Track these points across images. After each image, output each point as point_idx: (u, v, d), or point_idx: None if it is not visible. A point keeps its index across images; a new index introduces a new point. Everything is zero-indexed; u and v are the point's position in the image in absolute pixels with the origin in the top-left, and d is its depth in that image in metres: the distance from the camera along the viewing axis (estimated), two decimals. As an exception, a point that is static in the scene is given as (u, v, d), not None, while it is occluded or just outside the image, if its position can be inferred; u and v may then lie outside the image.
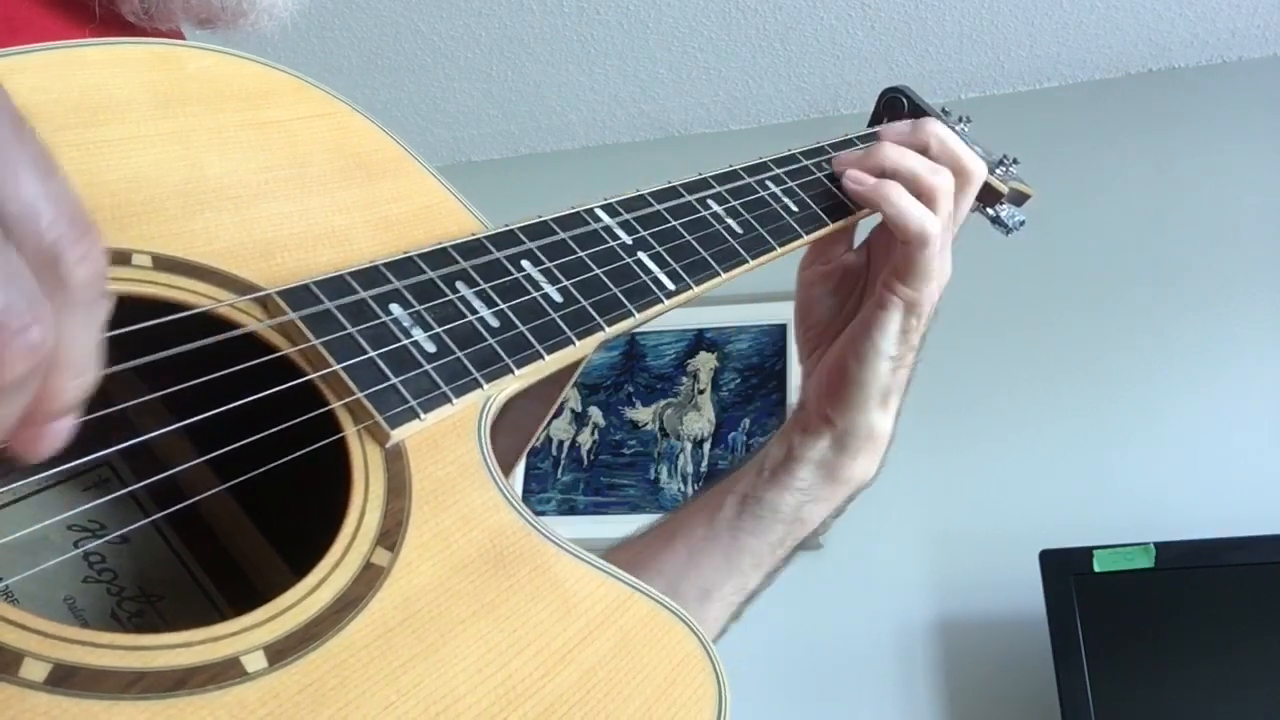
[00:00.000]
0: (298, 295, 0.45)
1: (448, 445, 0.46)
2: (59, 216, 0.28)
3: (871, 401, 0.71)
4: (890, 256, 0.70)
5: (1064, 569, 1.72)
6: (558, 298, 0.53)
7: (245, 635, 0.36)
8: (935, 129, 0.73)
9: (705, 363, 2.33)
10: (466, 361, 0.48)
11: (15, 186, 0.27)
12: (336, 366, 0.44)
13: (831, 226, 0.71)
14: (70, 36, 0.49)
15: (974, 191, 0.73)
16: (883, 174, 0.71)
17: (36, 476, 0.42)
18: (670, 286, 0.59)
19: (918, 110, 0.84)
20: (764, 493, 0.72)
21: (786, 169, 0.72)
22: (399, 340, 0.46)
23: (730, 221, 0.65)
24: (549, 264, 0.54)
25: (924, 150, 0.72)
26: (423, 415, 0.45)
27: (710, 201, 0.65)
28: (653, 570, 0.71)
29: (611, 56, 2.32)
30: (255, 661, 0.35)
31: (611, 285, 0.56)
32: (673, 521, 0.74)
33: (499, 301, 0.51)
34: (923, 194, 0.69)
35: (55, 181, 0.29)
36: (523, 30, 2.25)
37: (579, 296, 0.54)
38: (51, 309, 0.28)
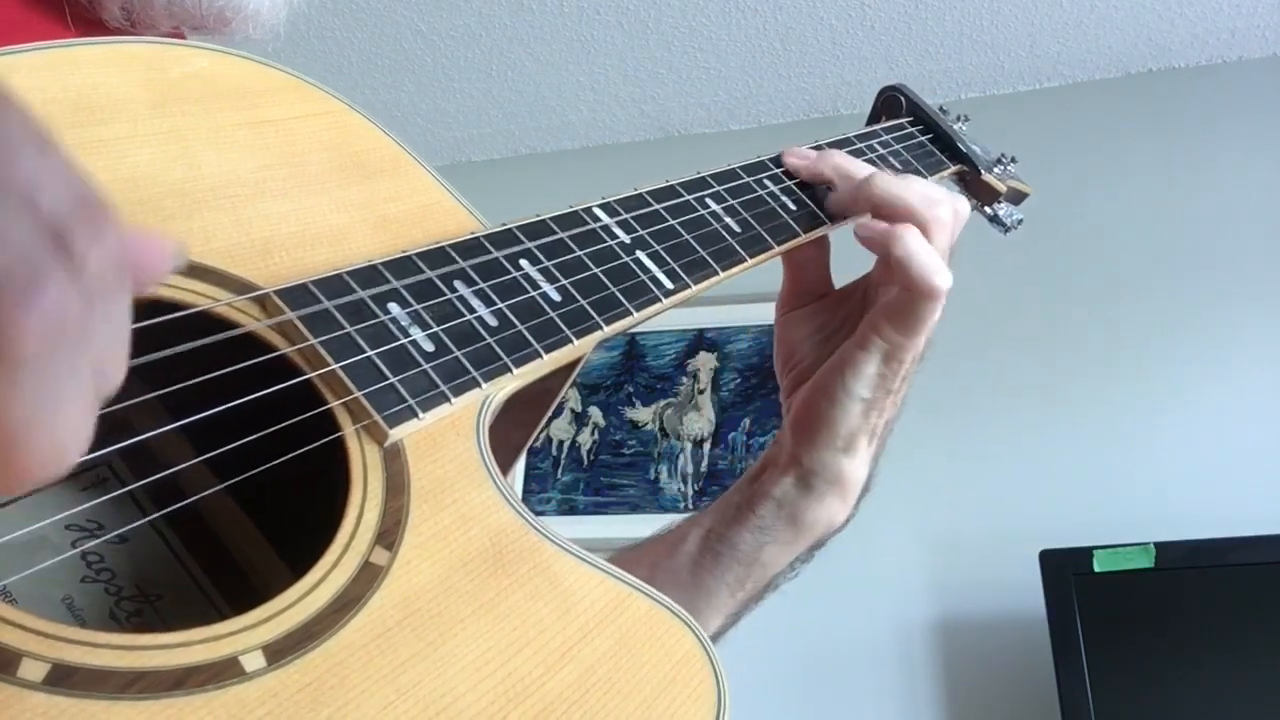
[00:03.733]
0: (296, 294, 0.45)
1: (446, 444, 0.46)
2: (61, 197, 0.25)
3: (839, 442, 0.66)
4: (882, 296, 0.66)
5: (1064, 569, 1.72)
6: (556, 297, 0.53)
7: (244, 635, 0.36)
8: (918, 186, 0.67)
9: (705, 363, 2.33)
10: (465, 360, 0.48)
11: (9, 163, 0.24)
12: (335, 366, 0.43)
13: (829, 226, 0.71)
14: (59, 38, 0.49)
15: (956, 231, 0.68)
16: (876, 207, 0.66)
17: (35, 476, 0.41)
18: (668, 285, 0.59)
19: (916, 109, 0.84)
20: (725, 529, 0.68)
21: (785, 168, 0.71)
22: (397, 339, 0.46)
23: (729, 220, 0.65)
24: (547, 263, 0.54)
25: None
26: (421, 414, 0.44)
27: (709, 200, 0.65)
28: None
29: (611, 56, 2.32)
30: (254, 661, 0.35)
31: (610, 284, 0.56)
32: (642, 552, 0.70)
33: (497, 300, 0.51)
34: (922, 226, 0.64)
35: (52, 158, 0.25)
36: (523, 30, 2.25)
37: (577, 295, 0.54)
38: (66, 278, 0.24)
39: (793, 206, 0.69)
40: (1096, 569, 1.71)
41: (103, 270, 0.25)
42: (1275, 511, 1.81)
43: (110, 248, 0.26)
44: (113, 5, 0.56)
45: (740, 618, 0.70)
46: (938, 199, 0.65)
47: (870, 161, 0.75)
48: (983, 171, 0.84)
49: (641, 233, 0.60)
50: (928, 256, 0.62)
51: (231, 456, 0.41)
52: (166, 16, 0.57)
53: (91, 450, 0.38)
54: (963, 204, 0.67)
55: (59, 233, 0.24)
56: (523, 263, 0.54)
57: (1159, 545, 1.70)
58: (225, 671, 0.35)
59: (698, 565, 0.68)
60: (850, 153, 0.74)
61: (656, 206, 0.62)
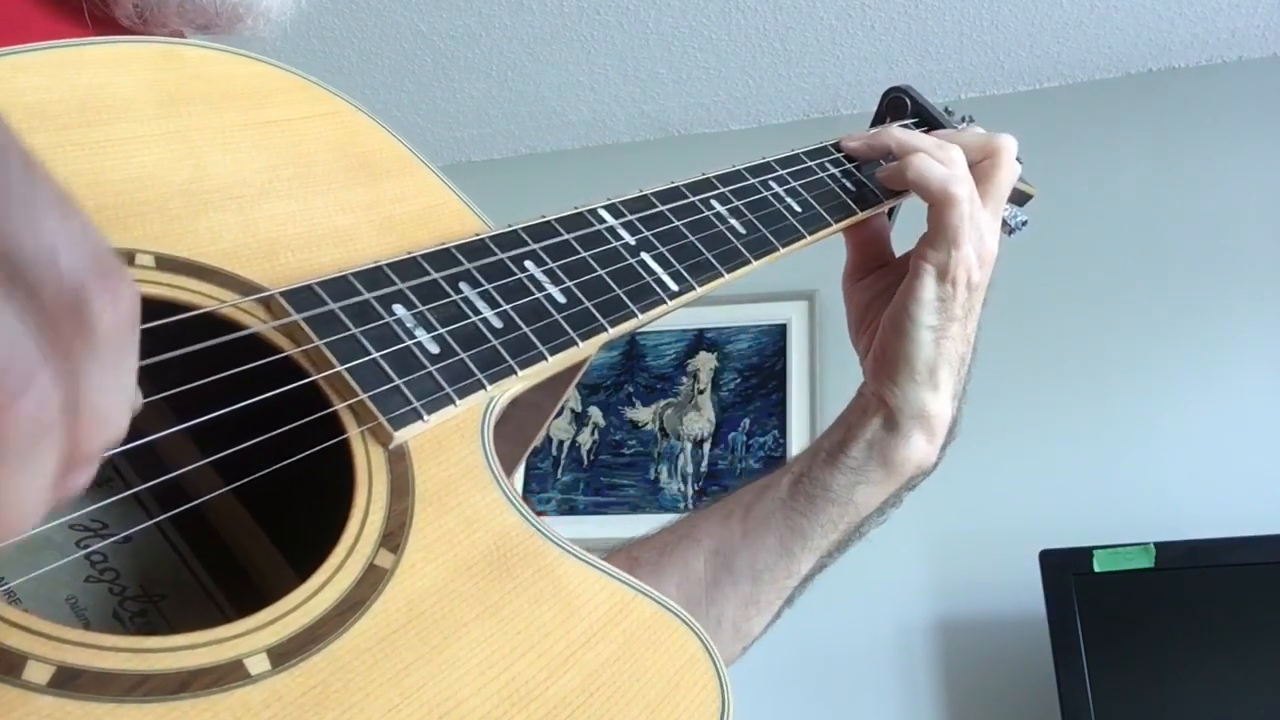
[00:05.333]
0: (301, 296, 0.45)
1: (451, 446, 0.46)
2: (81, 257, 0.26)
3: (918, 375, 0.70)
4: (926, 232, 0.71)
5: (1064, 569, 1.73)
6: (561, 298, 0.53)
7: (249, 637, 0.36)
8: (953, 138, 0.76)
9: (705, 363, 2.33)
10: (470, 362, 0.47)
11: (31, 227, 0.25)
12: (340, 367, 0.43)
13: (835, 226, 0.71)
14: (69, 37, 0.49)
15: (1007, 163, 0.74)
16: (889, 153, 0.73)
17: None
18: (673, 287, 0.58)
19: (921, 110, 0.84)
20: (818, 473, 0.71)
21: (790, 169, 0.72)
22: (402, 341, 0.46)
23: (734, 222, 0.65)
24: (552, 265, 0.54)
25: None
26: (426, 416, 0.44)
27: (713, 202, 0.65)
28: (707, 545, 0.69)
29: (611, 56, 2.32)
30: (259, 664, 0.35)
31: (615, 286, 0.56)
32: (730, 499, 0.73)
33: (502, 302, 0.51)
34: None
35: (75, 221, 0.26)
36: (523, 30, 2.25)
37: (582, 297, 0.54)
38: (65, 361, 0.26)
39: (797, 208, 0.69)
40: (1096, 569, 1.71)
41: (115, 332, 0.27)
42: (1275, 511, 1.81)
43: (124, 312, 0.27)
44: (126, 2, 0.56)
45: (829, 562, 0.72)
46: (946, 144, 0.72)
47: (877, 161, 0.77)
48: None
49: (646, 234, 0.60)
50: (939, 169, 0.69)
51: (236, 458, 0.41)
52: (178, 14, 0.57)
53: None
54: (1004, 147, 0.74)
55: (76, 303, 0.26)
56: (528, 264, 0.54)
57: (1159, 545, 1.70)
58: (230, 674, 0.34)
59: (790, 508, 0.70)
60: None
61: (661, 208, 0.62)
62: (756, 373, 2.28)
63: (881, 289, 0.76)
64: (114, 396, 0.28)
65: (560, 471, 2.32)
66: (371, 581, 0.40)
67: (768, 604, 0.70)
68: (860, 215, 0.73)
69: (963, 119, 0.87)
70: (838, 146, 0.76)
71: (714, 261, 0.62)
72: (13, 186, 0.25)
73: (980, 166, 0.72)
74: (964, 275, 0.70)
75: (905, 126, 0.83)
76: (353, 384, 0.43)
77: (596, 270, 0.56)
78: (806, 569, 0.71)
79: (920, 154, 0.70)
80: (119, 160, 0.44)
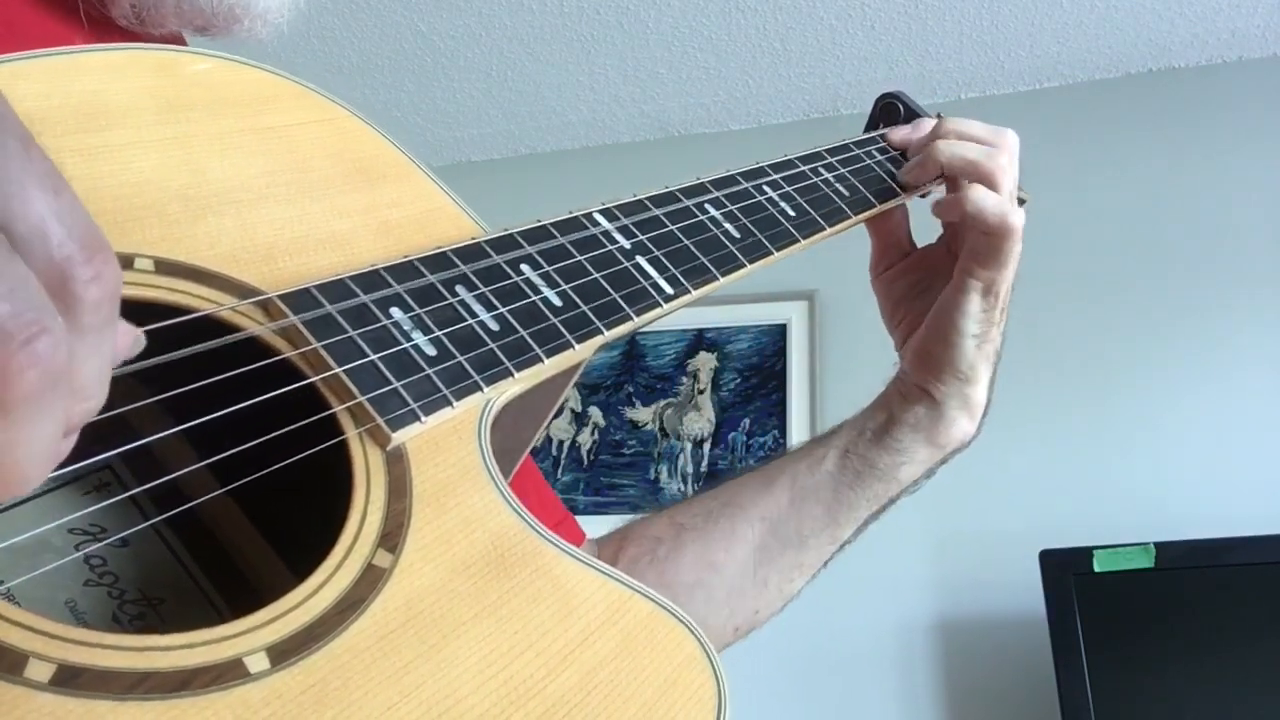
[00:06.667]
0: (299, 299, 0.45)
1: (448, 448, 0.46)
2: (69, 235, 0.27)
3: (961, 374, 0.74)
4: (966, 242, 0.73)
5: (1064, 569, 1.73)
6: (557, 301, 0.54)
7: (248, 636, 0.36)
8: (959, 125, 0.77)
9: (705, 363, 2.33)
10: (467, 365, 0.48)
11: (24, 204, 0.26)
12: (338, 369, 0.44)
13: (829, 230, 0.71)
14: (66, 40, 0.49)
15: (1016, 160, 0.76)
16: (941, 169, 0.75)
17: (38, 480, 0.42)
18: (668, 290, 0.59)
19: (913, 115, 0.84)
20: (865, 450, 0.76)
21: (783, 174, 0.72)
22: (400, 344, 0.46)
23: (728, 226, 0.65)
24: (548, 268, 0.55)
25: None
26: (423, 418, 0.45)
27: (708, 206, 0.66)
28: (754, 513, 0.74)
29: (611, 56, 2.32)
30: (258, 662, 0.35)
31: (610, 289, 0.56)
32: (770, 470, 0.77)
33: (499, 305, 0.51)
34: (986, 178, 0.72)
35: (65, 199, 0.28)
36: (523, 30, 2.26)
37: (578, 300, 0.54)
38: (63, 323, 0.27)
39: (791, 212, 0.69)
40: (1096, 569, 1.71)
41: (99, 306, 0.28)
42: (1275, 511, 1.81)
43: (108, 284, 0.28)
44: (124, 3, 0.56)
45: (867, 527, 0.78)
46: (996, 147, 0.73)
47: (871, 166, 0.77)
48: None
49: (641, 238, 0.60)
50: (995, 204, 0.70)
51: (234, 460, 0.42)
52: (175, 15, 0.57)
53: (94, 453, 0.38)
54: (1013, 140, 0.75)
55: (62, 278, 0.27)
56: (524, 267, 0.54)
57: (1159, 545, 1.70)
58: (230, 673, 0.35)
59: (838, 480, 0.76)
60: (848, 159, 0.76)
61: (656, 212, 0.62)
62: (756, 373, 2.28)
63: (913, 282, 0.79)
64: (95, 367, 0.29)
65: (560, 471, 2.32)
66: (370, 581, 0.40)
67: (810, 566, 0.75)
68: (855, 219, 0.73)
69: (959, 122, 0.87)
70: (832, 152, 0.76)
71: (708, 265, 0.62)
72: (7, 162, 0.26)
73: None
74: (1007, 289, 0.73)
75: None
76: (351, 386, 0.44)
77: (592, 274, 0.56)
78: (848, 535, 0.76)
79: (976, 190, 0.71)
80: (118, 166, 0.44)
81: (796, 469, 0.76)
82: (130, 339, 0.31)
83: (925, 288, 0.78)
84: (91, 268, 0.28)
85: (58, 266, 0.27)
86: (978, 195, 0.70)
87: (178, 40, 0.60)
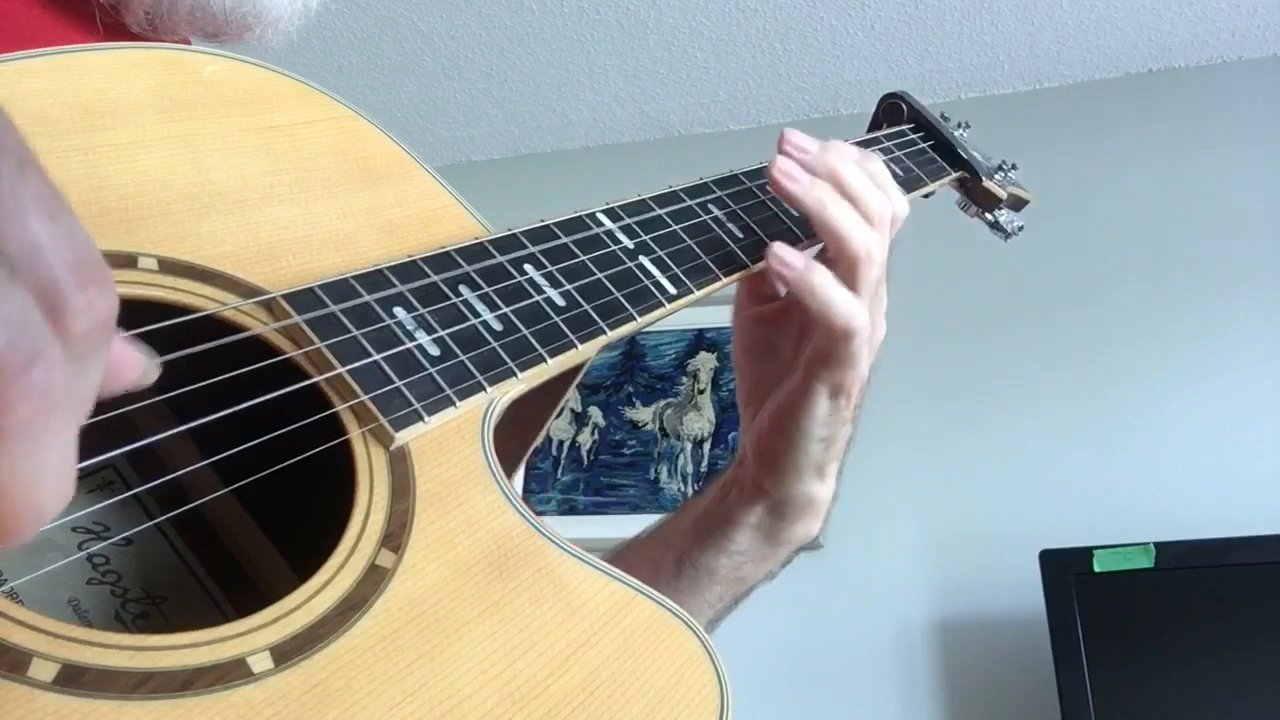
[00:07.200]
0: (303, 298, 0.45)
1: (451, 448, 0.46)
2: (63, 261, 0.26)
3: (805, 475, 0.67)
4: (813, 339, 0.63)
5: (1064, 569, 1.73)
6: (560, 301, 0.54)
7: (251, 636, 0.36)
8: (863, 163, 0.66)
9: (705, 363, 2.33)
10: (470, 365, 0.48)
11: (19, 227, 0.26)
12: (341, 369, 0.44)
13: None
14: (79, 43, 0.49)
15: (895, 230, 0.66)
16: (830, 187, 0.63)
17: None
18: (671, 290, 0.59)
19: (917, 116, 0.84)
20: (699, 557, 0.70)
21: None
22: (403, 343, 0.46)
23: (731, 226, 0.65)
24: (551, 268, 0.55)
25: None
26: (426, 418, 0.45)
27: (711, 206, 0.66)
28: None
29: (611, 56, 2.32)
30: (261, 662, 0.35)
31: (613, 289, 0.56)
32: (619, 565, 0.72)
33: (502, 305, 0.51)
34: (868, 217, 0.62)
35: (61, 223, 0.27)
36: (523, 30, 2.26)
37: (581, 300, 0.54)
38: (60, 354, 0.26)
39: (794, 212, 0.69)
40: (1096, 569, 1.72)
41: (88, 336, 0.27)
42: (1275, 511, 1.81)
43: (99, 314, 0.27)
44: (138, 10, 0.56)
45: (718, 625, 0.71)
46: (877, 219, 0.63)
47: None
48: (983, 178, 0.85)
49: (644, 238, 0.60)
50: (838, 298, 0.60)
51: (237, 460, 0.42)
52: (188, 22, 0.57)
53: (98, 452, 0.38)
54: (901, 207, 0.66)
55: (53, 304, 0.26)
56: (527, 267, 0.54)
57: (1159, 545, 1.70)
58: (233, 672, 0.35)
59: (676, 590, 0.69)
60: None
61: (659, 212, 0.63)
62: (757, 373, 2.28)
63: (764, 335, 0.70)
64: (81, 394, 0.28)
65: (560, 472, 2.32)
66: (373, 581, 0.40)
67: None
68: None
69: (959, 124, 0.88)
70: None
71: (711, 265, 0.62)
72: (2, 184, 0.26)
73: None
74: (860, 387, 0.65)
75: (901, 132, 0.83)
76: (354, 385, 0.44)
77: (595, 274, 0.56)
78: None
79: (822, 275, 0.60)
80: (122, 165, 0.44)
81: (636, 572, 0.69)
82: (138, 370, 0.30)
83: (773, 348, 0.69)
84: (84, 297, 0.27)
85: (49, 294, 0.26)
86: (821, 289, 0.60)
87: (183, 43, 0.61)
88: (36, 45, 0.44)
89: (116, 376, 0.30)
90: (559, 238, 0.57)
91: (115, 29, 0.56)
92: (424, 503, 0.43)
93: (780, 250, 0.61)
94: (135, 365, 0.30)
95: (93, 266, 0.27)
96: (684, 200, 0.65)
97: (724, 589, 0.70)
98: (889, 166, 0.77)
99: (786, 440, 0.66)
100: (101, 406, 0.34)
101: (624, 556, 0.73)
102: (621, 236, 0.59)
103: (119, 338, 0.30)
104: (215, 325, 0.43)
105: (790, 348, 0.68)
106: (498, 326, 0.50)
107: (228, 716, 0.34)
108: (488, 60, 2.36)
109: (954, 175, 0.84)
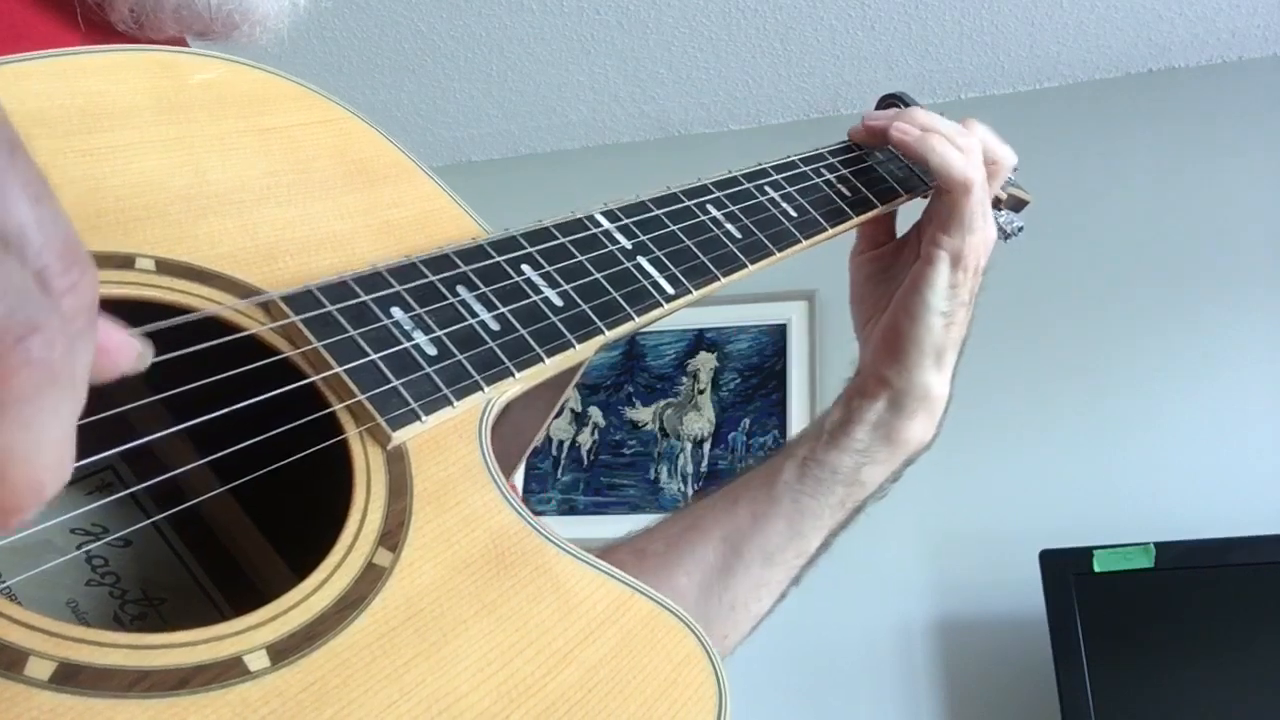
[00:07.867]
0: (300, 299, 0.45)
1: (449, 447, 0.46)
2: (47, 244, 0.27)
3: (926, 359, 0.72)
4: (930, 210, 0.72)
5: (1064, 569, 1.73)
6: (558, 301, 0.54)
7: (248, 634, 0.36)
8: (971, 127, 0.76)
9: (705, 363, 2.33)
10: (467, 364, 0.48)
11: (4, 211, 0.26)
12: (338, 369, 0.44)
13: (830, 231, 0.71)
14: (66, 43, 0.49)
15: (1004, 173, 0.77)
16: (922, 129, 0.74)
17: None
18: (669, 291, 0.59)
19: (916, 115, 0.84)
20: (823, 455, 0.74)
21: (785, 175, 0.72)
22: (400, 343, 0.47)
23: (729, 226, 0.65)
24: (549, 268, 0.55)
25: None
26: (424, 417, 0.45)
27: (709, 207, 0.66)
28: (716, 535, 0.72)
29: (611, 56, 2.32)
30: (258, 661, 0.36)
31: (611, 289, 0.56)
32: (735, 487, 0.75)
33: (499, 305, 0.51)
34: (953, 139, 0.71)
35: (46, 207, 0.27)
36: (523, 30, 2.26)
37: (579, 300, 0.54)
38: (58, 324, 0.26)
39: (792, 213, 0.70)
40: (1096, 569, 1.72)
41: (74, 317, 0.27)
42: (1275, 511, 1.81)
43: (84, 296, 0.28)
44: (122, 8, 0.56)
45: (835, 537, 0.75)
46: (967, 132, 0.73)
47: (874, 167, 0.78)
48: None
49: (643, 238, 0.60)
50: (959, 157, 0.70)
51: (235, 459, 0.42)
52: (174, 20, 0.57)
53: (96, 452, 0.38)
54: (1011, 160, 0.77)
55: (43, 274, 0.27)
56: (525, 268, 0.54)
57: (1159, 545, 1.70)
58: (229, 671, 0.35)
59: (798, 491, 0.73)
60: (851, 159, 0.76)
61: (657, 212, 0.63)
62: (756, 373, 2.28)
63: (878, 270, 0.78)
64: (76, 374, 0.28)
65: (560, 471, 2.32)
66: (370, 579, 0.40)
67: (777, 584, 0.72)
68: (855, 220, 0.73)
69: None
70: (834, 153, 0.77)
71: (709, 266, 0.62)
72: None
73: (987, 168, 0.74)
74: (975, 260, 0.72)
75: None
76: (351, 385, 0.44)
77: (593, 274, 0.56)
78: (814, 548, 0.74)
79: (942, 139, 0.71)
80: (120, 166, 0.44)
81: (756, 485, 0.74)
82: (133, 354, 0.31)
83: (889, 275, 0.77)
84: (67, 278, 0.27)
85: (38, 275, 0.27)
86: (943, 146, 0.70)
87: (179, 44, 0.60)
88: (27, 42, 0.44)
89: (113, 362, 0.30)
90: (556, 238, 0.57)
91: (100, 27, 0.56)
92: (421, 501, 0.43)
93: (900, 124, 0.73)
94: (130, 350, 0.30)
95: (76, 249, 0.28)
96: (682, 201, 0.65)
97: (846, 491, 0.73)
98: (889, 166, 0.78)
99: (910, 314, 0.72)
100: (100, 407, 0.34)
101: (735, 483, 0.76)
102: (619, 237, 0.59)
103: (114, 325, 0.30)
104: (213, 326, 0.43)
105: (899, 273, 0.75)
106: (495, 326, 0.50)
107: (224, 715, 0.34)
108: (488, 60, 2.36)
109: None
